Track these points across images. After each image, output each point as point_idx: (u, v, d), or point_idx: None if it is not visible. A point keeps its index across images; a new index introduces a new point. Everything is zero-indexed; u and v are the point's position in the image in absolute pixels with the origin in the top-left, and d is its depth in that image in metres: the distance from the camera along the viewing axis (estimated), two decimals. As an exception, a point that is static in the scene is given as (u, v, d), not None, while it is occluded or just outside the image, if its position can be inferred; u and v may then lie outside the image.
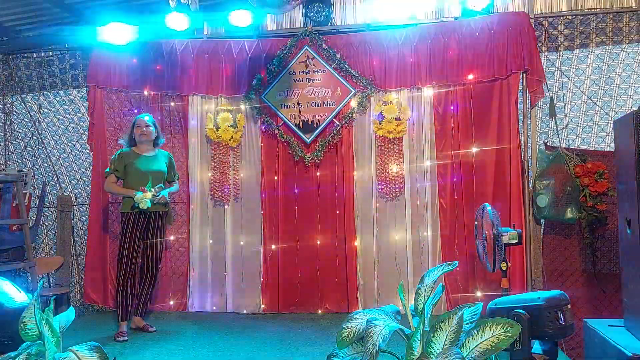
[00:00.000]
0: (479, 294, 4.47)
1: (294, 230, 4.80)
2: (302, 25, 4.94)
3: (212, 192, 4.88)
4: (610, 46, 4.48)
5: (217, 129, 4.82)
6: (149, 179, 4.00)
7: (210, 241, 4.90)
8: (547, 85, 4.49)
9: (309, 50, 4.80)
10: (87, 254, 4.96)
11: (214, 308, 4.83)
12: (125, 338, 3.89)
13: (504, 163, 4.45)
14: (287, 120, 4.82)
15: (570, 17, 4.55)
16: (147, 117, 4.22)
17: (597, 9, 4.53)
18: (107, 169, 4.16)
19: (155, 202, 3.97)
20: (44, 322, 2.12)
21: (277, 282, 4.77)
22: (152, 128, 4.16)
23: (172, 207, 4.83)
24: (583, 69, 4.54)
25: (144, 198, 3.90)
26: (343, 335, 2.08)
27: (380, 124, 4.64)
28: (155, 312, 4.67)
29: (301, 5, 4.78)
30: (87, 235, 5.03)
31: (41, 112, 5.32)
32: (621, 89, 4.48)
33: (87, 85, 5.01)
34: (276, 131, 4.82)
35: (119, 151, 4.16)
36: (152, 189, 3.95)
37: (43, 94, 5.32)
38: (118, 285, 4.03)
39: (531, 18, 4.50)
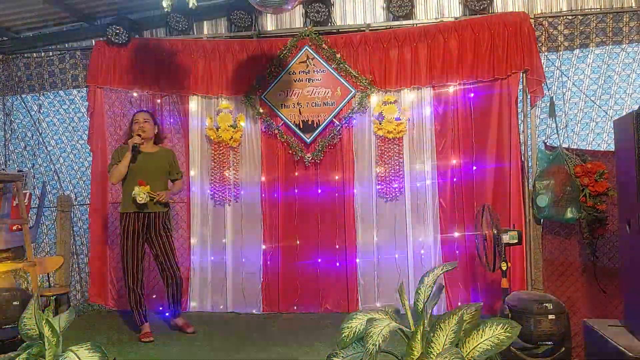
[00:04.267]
0: (479, 294, 4.47)
1: (294, 230, 4.80)
2: (302, 25, 4.94)
3: (212, 192, 4.88)
4: (610, 46, 4.48)
5: (217, 129, 4.82)
6: (149, 176, 3.90)
7: (210, 241, 4.90)
8: (547, 85, 4.50)
9: (309, 50, 4.80)
10: (90, 255, 4.96)
11: (214, 308, 4.83)
12: (152, 338, 3.88)
13: (503, 163, 4.46)
14: (287, 120, 4.82)
15: (570, 17, 4.56)
16: (145, 113, 4.11)
17: (597, 9, 4.53)
18: (109, 164, 4.07)
19: (155, 201, 3.89)
20: (44, 322, 2.12)
21: (277, 282, 4.77)
22: (150, 124, 4.03)
23: (172, 207, 4.82)
24: (583, 68, 4.54)
25: (141, 192, 3.78)
26: (343, 335, 2.07)
27: (380, 124, 4.64)
28: (155, 312, 4.66)
29: (301, 5, 4.78)
30: (87, 235, 5.03)
31: (41, 112, 5.32)
32: (621, 88, 4.49)
33: (87, 85, 5.01)
34: (276, 131, 4.82)
35: (119, 146, 4.09)
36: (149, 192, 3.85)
37: (43, 94, 5.32)
38: (129, 291, 3.92)
39: (531, 18, 4.50)
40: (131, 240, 3.90)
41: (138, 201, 3.80)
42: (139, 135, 3.93)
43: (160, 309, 4.75)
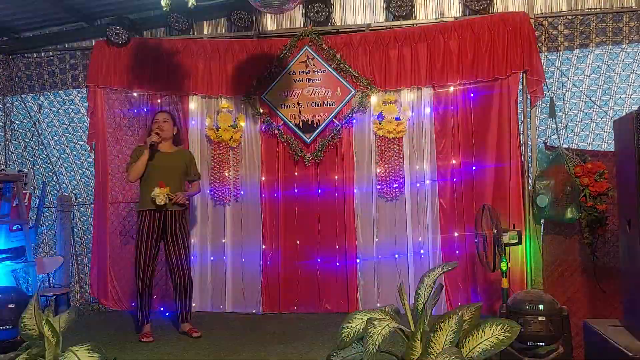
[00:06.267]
0: (479, 294, 4.47)
1: (294, 230, 4.80)
2: (302, 25, 4.94)
3: (212, 192, 4.88)
4: (610, 46, 4.49)
5: (217, 129, 4.82)
6: (166, 176, 3.93)
7: (210, 241, 4.90)
8: (547, 85, 4.50)
9: (309, 50, 4.80)
10: (92, 254, 4.96)
11: (214, 308, 4.83)
12: (151, 339, 3.88)
13: (504, 163, 4.46)
14: (287, 120, 4.82)
15: (570, 17, 4.56)
16: (165, 113, 4.16)
17: (597, 9, 4.53)
18: (128, 162, 4.09)
19: (173, 202, 3.91)
20: (44, 322, 2.11)
21: (277, 282, 4.76)
22: (169, 124, 4.08)
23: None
24: (583, 68, 4.54)
25: (161, 193, 3.84)
26: (343, 335, 2.07)
27: (380, 124, 4.64)
28: (155, 313, 4.66)
29: (301, 5, 4.78)
30: (87, 236, 5.03)
31: (41, 112, 5.32)
32: (621, 88, 4.49)
33: (87, 85, 5.01)
34: (276, 131, 4.82)
35: (138, 145, 4.14)
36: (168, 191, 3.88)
37: (43, 94, 5.32)
38: (137, 290, 3.92)
39: (531, 18, 4.50)
40: (146, 239, 3.91)
41: (157, 202, 3.85)
42: (157, 133, 3.98)
43: (161, 309, 4.76)
